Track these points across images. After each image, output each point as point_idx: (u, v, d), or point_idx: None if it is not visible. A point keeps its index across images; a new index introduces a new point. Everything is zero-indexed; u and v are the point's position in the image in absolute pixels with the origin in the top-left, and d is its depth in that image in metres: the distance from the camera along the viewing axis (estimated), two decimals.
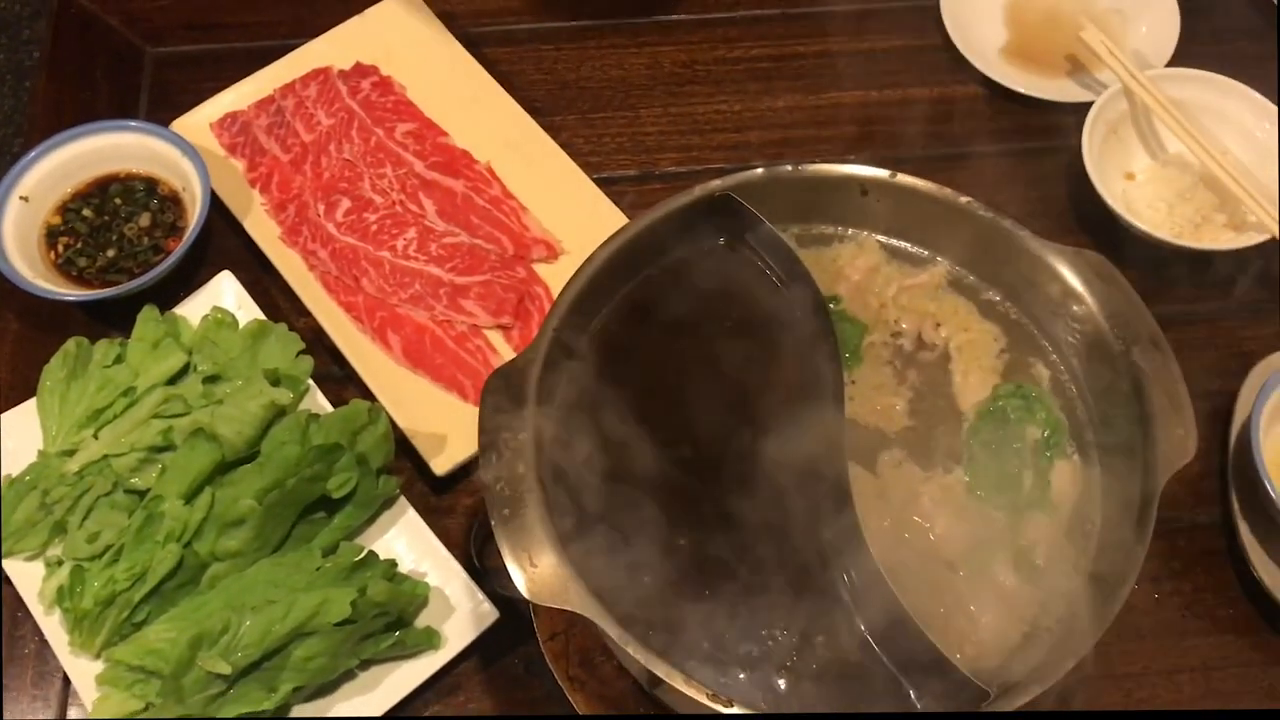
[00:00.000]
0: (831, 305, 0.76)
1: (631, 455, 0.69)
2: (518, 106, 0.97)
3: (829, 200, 0.77)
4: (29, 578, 0.78)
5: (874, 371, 0.74)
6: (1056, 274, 0.72)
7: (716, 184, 0.74)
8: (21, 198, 0.89)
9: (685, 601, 0.65)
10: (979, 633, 0.66)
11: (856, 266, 0.78)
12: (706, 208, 0.75)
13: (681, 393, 0.72)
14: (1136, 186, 0.93)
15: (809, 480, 0.68)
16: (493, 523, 0.63)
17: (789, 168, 0.76)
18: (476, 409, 0.83)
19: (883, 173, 0.75)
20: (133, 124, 0.91)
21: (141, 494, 0.79)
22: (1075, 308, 0.72)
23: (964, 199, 0.74)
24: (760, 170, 0.75)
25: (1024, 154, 0.96)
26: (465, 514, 0.83)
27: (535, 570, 0.63)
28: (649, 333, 0.74)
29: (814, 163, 0.76)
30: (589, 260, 0.72)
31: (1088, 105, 0.93)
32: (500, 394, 0.68)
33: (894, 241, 0.78)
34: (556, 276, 0.91)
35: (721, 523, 0.67)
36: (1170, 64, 0.97)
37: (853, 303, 0.77)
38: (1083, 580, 0.66)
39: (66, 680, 0.76)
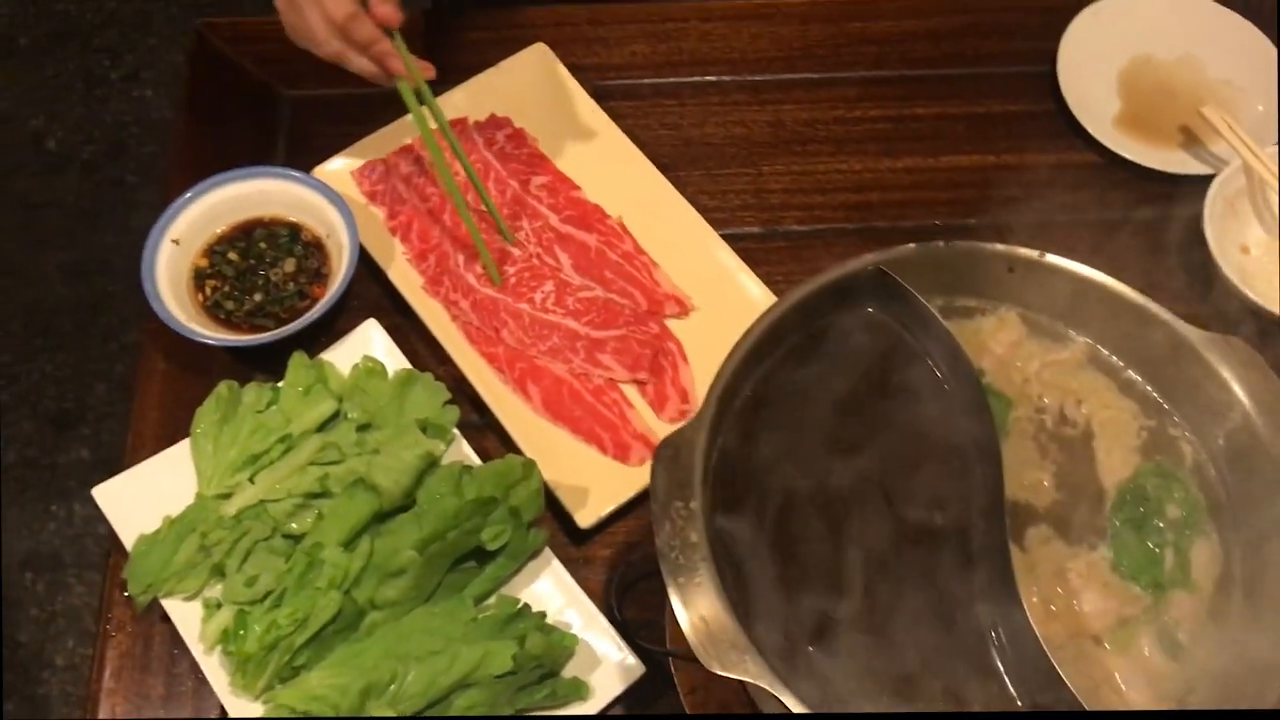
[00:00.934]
0: None
1: (792, 521, 0.71)
2: (647, 161, 0.99)
3: (974, 275, 0.80)
4: (188, 618, 0.81)
5: (1020, 446, 0.77)
6: (1199, 358, 0.74)
7: (870, 258, 0.77)
8: (173, 241, 0.91)
9: (844, 668, 0.68)
10: (1126, 707, 0.69)
11: (999, 341, 0.81)
12: (858, 278, 0.78)
13: (840, 459, 0.74)
14: (1252, 260, 0.95)
15: (969, 550, 0.71)
16: (670, 590, 0.66)
17: (941, 244, 0.78)
18: (614, 462, 0.88)
19: (1032, 253, 0.78)
20: (279, 170, 0.94)
21: (297, 539, 0.82)
22: (1216, 391, 0.75)
23: (1108, 280, 0.77)
24: (913, 247, 0.78)
25: (1137, 223, 0.99)
26: (603, 565, 0.86)
27: (710, 637, 0.65)
28: (805, 399, 0.76)
29: (965, 241, 0.79)
30: (748, 331, 0.75)
31: (1201, 177, 0.96)
32: (670, 462, 0.70)
33: (1035, 316, 0.81)
34: (688, 332, 0.93)
35: (882, 590, 0.70)
36: None
37: (997, 377, 0.79)
38: (1229, 659, 0.69)
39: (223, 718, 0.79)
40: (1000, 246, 0.79)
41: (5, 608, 1.83)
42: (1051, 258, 0.78)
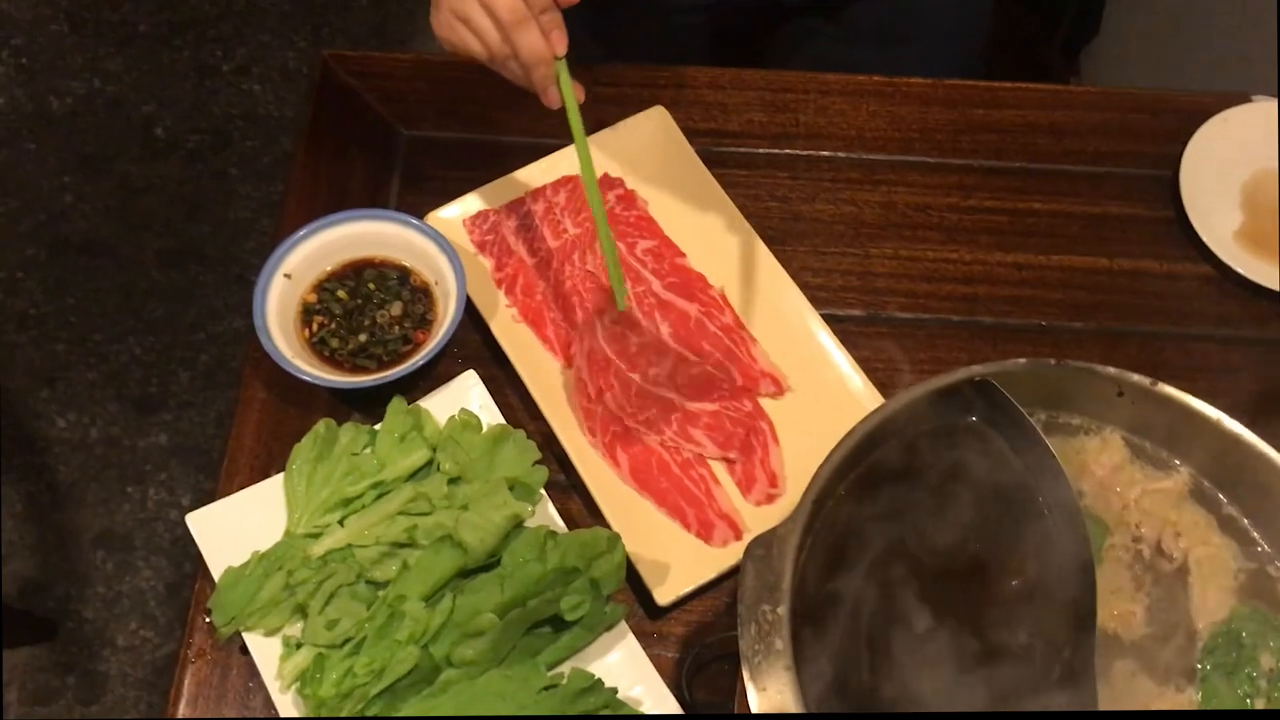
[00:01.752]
0: None
1: (878, 632, 0.71)
2: (754, 233, 0.99)
3: (1082, 394, 0.79)
4: (267, 653, 0.82)
5: (1114, 574, 0.76)
6: None
7: (977, 369, 0.76)
8: (285, 275, 0.93)
9: None
10: None
11: (1101, 463, 0.79)
12: (964, 388, 0.77)
13: (930, 572, 0.74)
14: None
15: (1055, 675, 0.70)
16: (750, 697, 0.66)
17: (1053, 363, 0.77)
18: (696, 540, 0.87)
19: (1144, 380, 0.77)
20: (395, 215, 0.95)
21: (380, 586, 0.83)
22: None
23: (1216, 413, 0.76)
24: (1024, 362, 0.77)
25: (1251, 345, 0.97)
26: (677, 642, 0.86)
27: None
28: (899, 507, 0.76)
29: (1077, 362, 0.78)
30: (848, 435, 0.74)
31: None
32: (761, 562, 0.70)
33: (1139, 441, 0.80)
34: (781, 412, 0.93)
35: (964, 708, 0.69)
36: None
37: (1096, 501, 0.78)
38: None
39: None
40: (1113, 370, 0.77)
41: (74, 583, 1.88)
42: (1164, 387, 0.77)
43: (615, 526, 0.87)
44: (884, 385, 0.93)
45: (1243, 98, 1.06)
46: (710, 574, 0.86)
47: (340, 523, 0.85)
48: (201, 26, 2.41)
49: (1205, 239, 1.00)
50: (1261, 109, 1.05)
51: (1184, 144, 1.03)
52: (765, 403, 0.93)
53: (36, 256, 2.17)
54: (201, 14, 2.42)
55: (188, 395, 2.03)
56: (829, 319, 0.96)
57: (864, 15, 1.14)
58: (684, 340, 0.95)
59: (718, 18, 1.18)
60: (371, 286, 0.95)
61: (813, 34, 1.19)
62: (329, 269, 0.95)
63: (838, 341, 0.94)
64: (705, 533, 0.88)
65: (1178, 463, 0.79)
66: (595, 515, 0.89)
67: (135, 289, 2.14)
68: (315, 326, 0.94)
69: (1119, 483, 0.79)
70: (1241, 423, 0.75)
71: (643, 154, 1.02)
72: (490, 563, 0.83)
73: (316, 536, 0.85)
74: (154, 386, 2.04)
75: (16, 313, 2.12)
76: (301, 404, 0.93)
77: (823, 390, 0.93)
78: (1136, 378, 0.77)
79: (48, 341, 2.09)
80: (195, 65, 2.37)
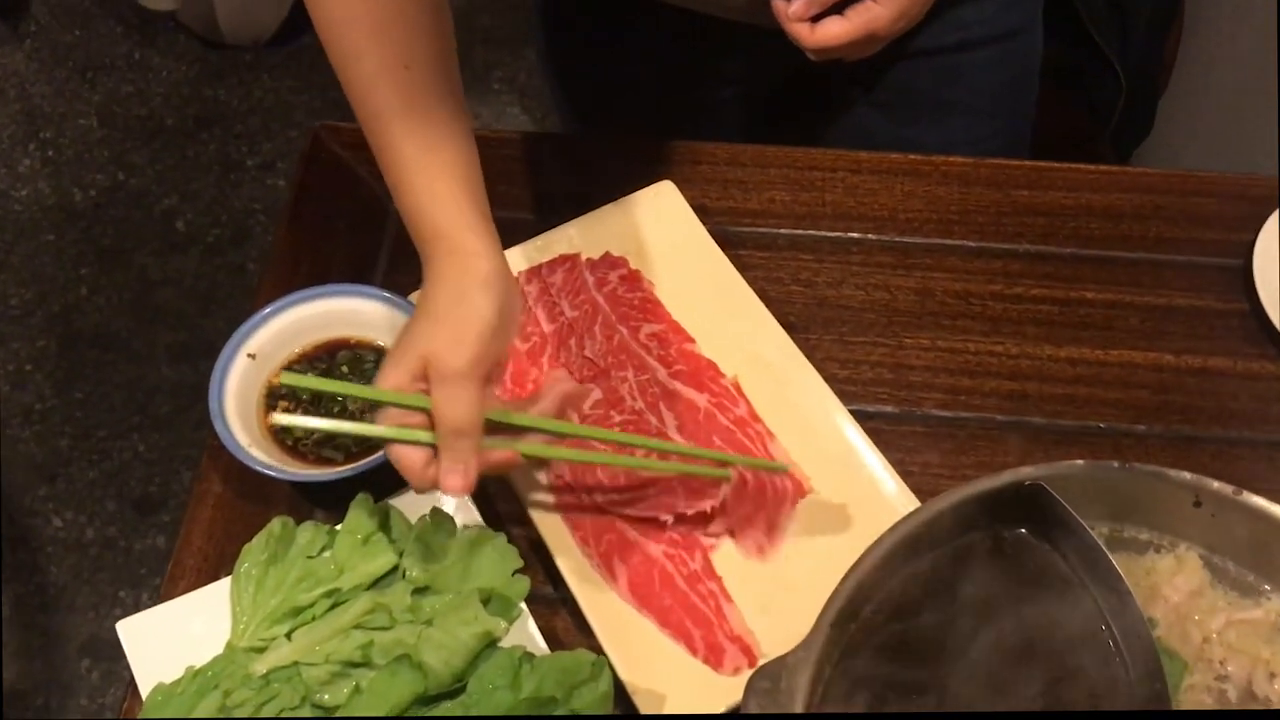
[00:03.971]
0: None
1: None
2: (772, 319, 0.89)
3: (1152, 504, 0.67)
4: None
5: None
6: None
7: (1028, 471, 0.65)
8: (249, 355, 0.84)
9: None
10: None
11: (1176, 587, 0.67)
12: (1011, 493, 0.66)
13: (977, 712, 0.62)
14: None
15: None
16: None
17: (1117, 465, 0.66)
18: (702, 665, 0.75)
19: (1226, 488, 0.65)
20: (374, 291, 0.86)
21: (329, 711, 0.72)
22: None
23: None
24: (1083, 464, 0.66)
25: None
26: None
27: None
28: (936, 633, 0.64)
29: (1146, 465, 0.66)
30: (874, 546, 0.63)
31: None
32: (766, 697, 0.58)
33: (1221, 561, 0.68)
34: (802, 516, 0.82)
35: None
36: None
37: (1171, 632, 0.66)
38: None
39: None
40: (1188, 476, 0.66)
41: (56, 693, 1.77)
42: (1250, 496, 0.65)
43: (608, 648, 0.75)
44: (920, 490, 0.81)
45: None
46: (720, 706, 0.74)
47: (288, 636, 0.74)
48: (228, 121, 2.39)
49: None
50: None
51: (1255, 230, 0.93)
52: None
53: (47, 349, 2.11)
54: (229, 109, 2.40)
55: (188, 495, 1.94)
56: (858, 415, 0.85)
57: (902, 81, 1.05)
58: (692, 434, 0.84)
59: (748, 90, 1.10)
60: (345, 369, 0.86)
61: (850, 105, 1.11)
62: (299, 350, 0.86)
63: (867, 440, 0.83)
64: (714, 658, 0.76)
65: (1268, 588, 0.67)
66: (586, 635, 0.77)
67: (143, 384, 2.07)
68: (278, 411, 0.84)
69: (1198, 611, 0.66)
70: None
71: (649, 232, 0.93)
72: (456, 688, 0.71)
73: (261, 651, 0.74)
74: (155, 486, 1.96)
75: (22, 407, 2.05)
76: (261, 499, 0.83)
77: (850, 493, 0.82)
78: (1217, 485, 0.65)
79: (51, 437, 2.02)
80: (220, 159, 2.34)
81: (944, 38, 1.04)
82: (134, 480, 1.97)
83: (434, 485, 0.68)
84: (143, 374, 2.08)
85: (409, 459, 0.68)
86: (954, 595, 0.65)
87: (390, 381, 0.68)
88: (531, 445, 0.75)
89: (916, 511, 0.65)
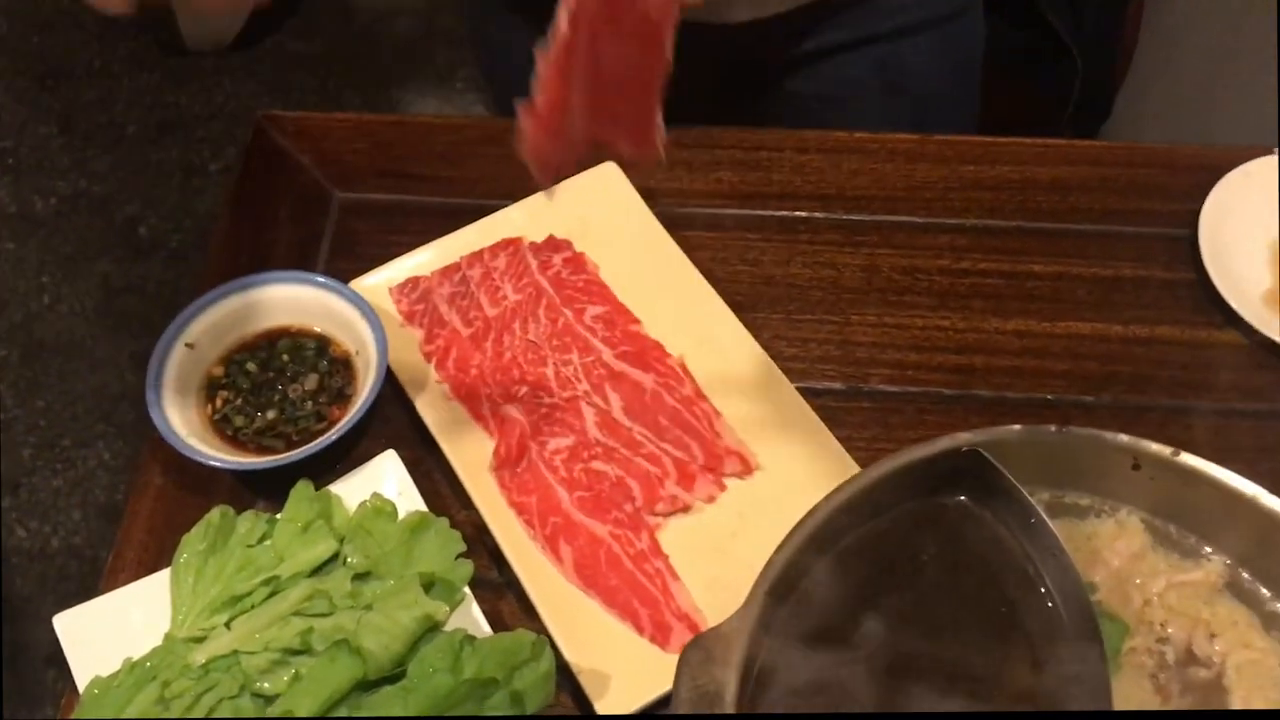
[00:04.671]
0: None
1: None
2: (718, 298, 0.88)
3: (1091, 469, 0.67)
4: None
5: (1134, 685, 0.63)
6: None
7: (965, 437, 0.65)
8: (187, 344, 0.83)
9: None
10: None
11: (1117, 550, 0.67)
12: (948, 460, 0.65)
13: (910, 683, 0.61)
14: None
15: None
16: None
17: (1054, 429, 0.66)
18: (650, 645, 0.75)
19: (1164, 449, 0.65)
20: (315, 278, 0.85)
21: (269, 699, 0.71)
22: None
23: (1256, 490, 0.64)
24: (1019, 429, 0.66)
25: None
26: None
27: None
28: (873, 604, 0.63)
29: (1083, 427, 0.66)
30: (809, 515, 0.63)
31: None
32: (699, 669, 0.58)
33: (1162, 524, 0.67)
34: (748, 494, 0.81)
35: None
36: None
37: (1112, 596, 0.65)
38: None
39: None
40: (1125, 438, 0.65)
41: (23, 704, 1.75)
42: (1188, 458, 0.64)
43: (553, 630, 0.74)
44: (866, 465, 0.80)
45: (1265, 150, 0.95)
46: (667, 685, 0.73)
47: (227, 625, 0.73)
48: (190, 127, 2.37)
49: (1231, 302, 0.88)
50: None
51: (1202, 200, 0.93)
52: (733, 484, 0.82)
53: (9, 358, 2.09)
54: (190, 115, 2.39)
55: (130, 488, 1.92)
56: (805, 392, 0.84)
57: (843, 73, 1.04)
58: (637, 415, 0.83)
59: (687, 87, 1.09)
60: (285, 358, 0.85)
61: (793, 98, 1.10)
62: (238, 340, 0.85)
63: (815, 417, 0.83)
64: (661, 636, 0.75)
65: (1209, 550, 0.66)
66: (531, 618, 0.76)
67: (107, 392, 2.05)
68: (219, 402, 0.83)
69: (1139, 574, 0.66)
70: None
71: (593, 214, 0.92)
72: (397, 673, 0.70)
73: (200, 641, 0.73)
74: (119, 494, 1.94)
75: None
76: (202, 491, 0.82)
77: (797, 470, 0.81)
78: (1155, 447, 0.65)
79: (14, 446, 2.00)
80: (182, 165, 2.32)
81: (881, 24, 1.04)
82: (99, 488, 1.95)
83: None
84: (106, 382, 2.06)
85: None
86: (893, 563, 0.65)
87: None
88: None
89: (853, 479, 0.65)
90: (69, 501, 1.94)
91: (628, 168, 0.95)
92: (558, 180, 0.89)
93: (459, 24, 2.51)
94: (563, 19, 0.63)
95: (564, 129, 0.69)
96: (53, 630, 0.78)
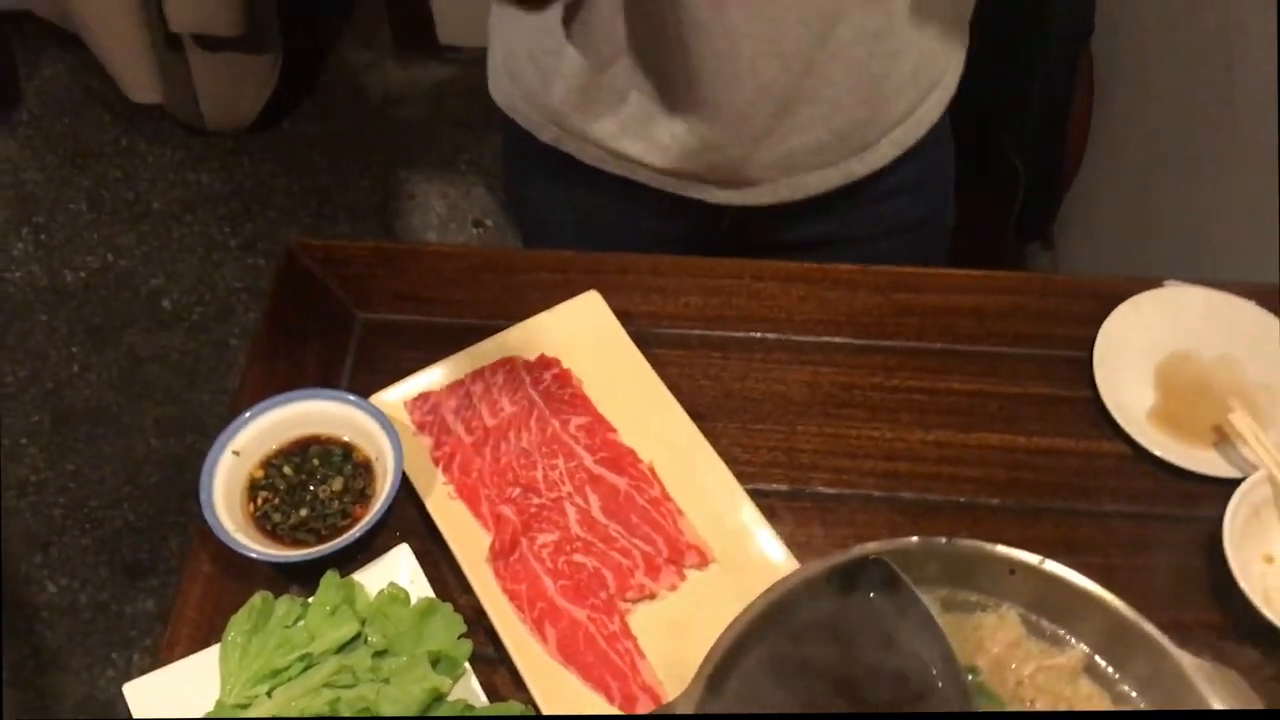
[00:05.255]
0: (971, 677, 0.79)
1: None
2: (682, 411, 1.04)
3: (977, 572, 0.82)
4: None
5: None
6: (1189, 686, 0.75)
7: (873, 546, 0.80)
8: (234, 452, 0.98)
9: None
10: None
11: (997, 640, 0.82)
12: (860, 566, 0.80)
13: None
14: (1276, 572, 0.95)
15: None
16: None
17: (944, 541, 0.81)
18: (620, 711, 0.90)
19: (1032, 558, 0.80)
20: (340, 395, 1.01)
21: None
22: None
23: (1102, 593, 0.79)
24: (916, 540, 0.81)
25: (1163, 520, 1.00)
26: None
27: None
28: (801, 684, 0.78)
29: (966, 539, 0.81)
30: (745, 610, 0.78)
31: (1231, 481, 0.97)
32: None
33: (1035, 618, 0.82)
34: (705, 584, 0.96)
35: None
36: None
37: (992, 677, 0.80)
38: None
39: None
40: (1001, 549, 0.81)
41: None
42: (1052, 565, 0.80)
43: (539, 699, 0.89)
44: (805, 558, 0.96)
45: (1155, 283, 1.11)
46: None
47: (268, 694, 0.88)
48: (212, 204, 2.54)
49: (1118, 419, 1.03)
50: (1172, 294, 1.10)
51: (1099, 325, 1.08)
52: (692, 575, 0.97)
53: (41, 423, 2.25)
54: (212, 193, 2.56)
55: (176, 561, 2.07)
56: (755, 493, 1.00)
57: (824, 258, 1.19)
58: (613, 513, 0.99)
59: (684, 247, 1.24)
60: (316, 462, 1.00)
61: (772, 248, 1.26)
62: (276, 446, 1.01)
63: (761, 515, 0.98)
64: (629, 706, 0.90)
65: (1072, 640, 0.81)
66: (521, 689, 0.91)
67: (132, 456, 2.20)
68: (260, 501, 0.98)
69: (1014, 659, 0.81)
70: (1132, 605, 0.78)
71: (578, 336, 1.08)
72: None
73: (246, 707, 0.88)
74: (144, 552, 2.09)
75: (18, 479, 2.18)
76: (244, 577, 0.97)
77: (746, 562, 0.96)
78: (1025, 556, 0.80)
79: (46, 507, 2.15)
80: (204, 240, 2.49)
81: (866, 224, 1.22)
82: (124, 547, 2.10)
83: None
84: (131, 446, 2.21)
85: None
86: (814, 650, 0.80)
87: None
88: None
89: (783, 581, 0.80)
90: (96, 559, 2.08)
91: (608, 295, 1.10)
92: None
93: (464, 108, 2.68)
94: None
95: None
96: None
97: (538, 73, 1.18)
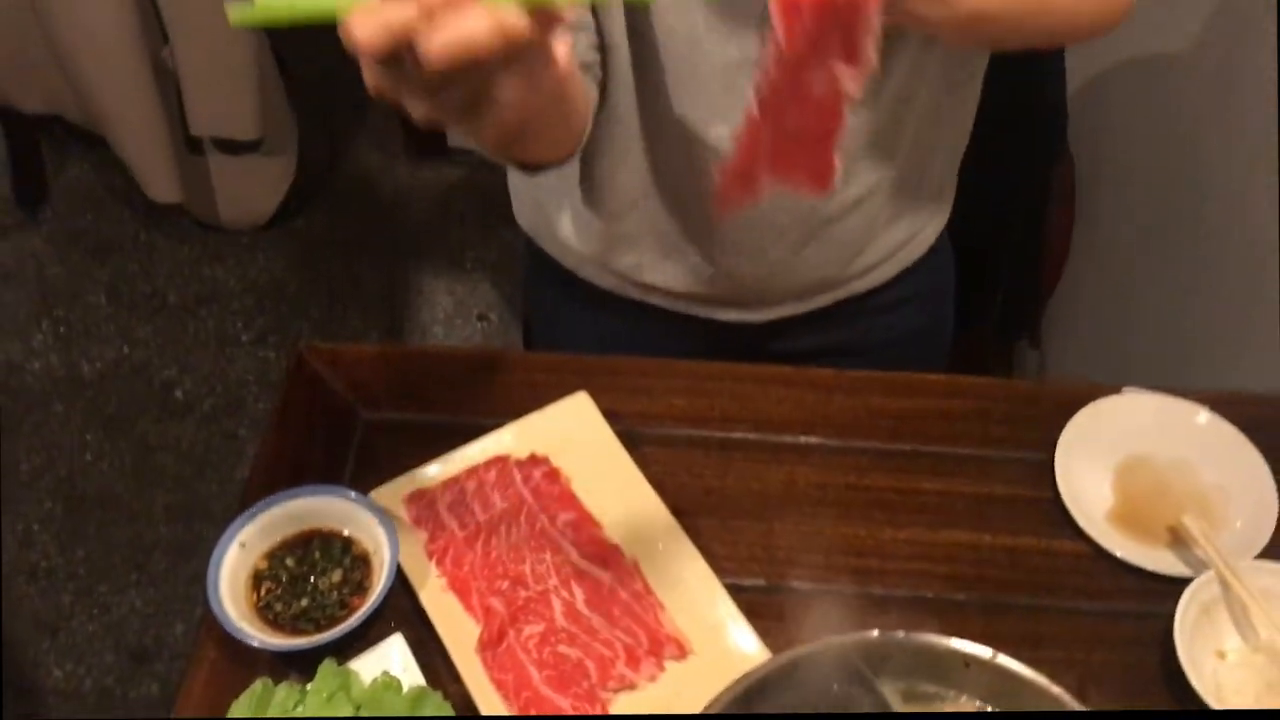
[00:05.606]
0: None
1: None
2: (664, 508, 1.10)
3: (934, 664, 0.87)
4: None
5: None
6: None
7: (836, 640, 0.86)
8: (240, 544, 1.04)
9: None
10: None
11: None
12: (826, 657, 0.86)
13: None
14: (1227, 668, 1.00)
15: None
16: None
17: (901, 634, 0.86)
18: None
19: (985, 652, 0.85)
20: (342, 491, 1.07)
21: None
22: None
23: (1054, 688, 0.84)
24: (876, 635, 0.86)
25: (1119, 617, 1.05)
26: None
27: None
28: None
29: (924, 633, 0.86)
30: (715, 700, 0.83)
31: (1186, 580, 1.02)
32: None
33: (992, 707, 0.87)
34: (684, 675, 1.01)
35: None
36: (1267, 549, 1.05)
37: None
38: None
39: None
40: (956, 643, 0.86)
41: None
42: (1003, 659, 0.85)
43: None
44: (779, 650, 1.00)
45: (1114, 389, 1.18)
46: None
47: None
48: (226, 298, 2.63)
49: (1078, 519, 1.09)
50: (1130, 400, 1.16)
51: (1060, 430, 1.14)
52: (671, 666, 1.02)
53: (53, 511, 2.31)
54: (226, 288, 2.65)
55: (181, 646, 2.11)
56: (733, 587, 1.05)
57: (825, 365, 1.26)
58: (596, 605, 1.04)
59: (671, 349, 1.32)
60: (317, 555, 1.06)
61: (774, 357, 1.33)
62: (280, 539, 1.06)
63: (738, 609, 1.03)
64: None
65: None
66: None
67: (141, 543, 2.25)
68: (263, 591, 1.04)
69: None
70: (1091, 697, 0.83)
71: (568, 435, 1.14)
72: None
73: None
74: (149, 638, 2.13)
75: (28, 565, 2.23)
76: (245, 663, 1.02)
77: (723, 654, 1.01)
78: (978, 650, 0.86)
79: (55, 593, 2.20)
80: (217, 334, 2.57)
81: (873, 334, 1.30)
82: (130, 632, 2.14)
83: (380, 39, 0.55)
84: (140, 533, 2.27)
85: (359, 16, 0.55)
86: None
87: None
88: None
89: (751, 672, 0.85)
90: (103, 645, 2.13)
91: (598, 394, 1.17)
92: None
93: (472, 207, 2.79)
94: (753, 104, 0.72)
95: (753, 179, 0.78)
96: None
97: (549, 221, 1.28)
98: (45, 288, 2.66)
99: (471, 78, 0.59)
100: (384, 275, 2.69)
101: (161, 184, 2.61)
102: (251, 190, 2.68)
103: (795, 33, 0.68)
